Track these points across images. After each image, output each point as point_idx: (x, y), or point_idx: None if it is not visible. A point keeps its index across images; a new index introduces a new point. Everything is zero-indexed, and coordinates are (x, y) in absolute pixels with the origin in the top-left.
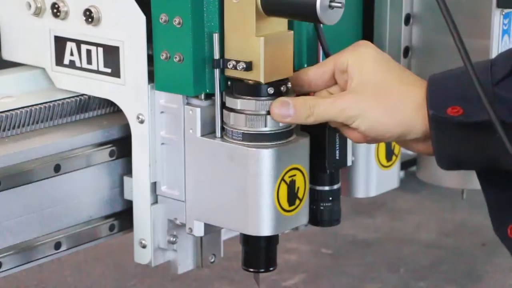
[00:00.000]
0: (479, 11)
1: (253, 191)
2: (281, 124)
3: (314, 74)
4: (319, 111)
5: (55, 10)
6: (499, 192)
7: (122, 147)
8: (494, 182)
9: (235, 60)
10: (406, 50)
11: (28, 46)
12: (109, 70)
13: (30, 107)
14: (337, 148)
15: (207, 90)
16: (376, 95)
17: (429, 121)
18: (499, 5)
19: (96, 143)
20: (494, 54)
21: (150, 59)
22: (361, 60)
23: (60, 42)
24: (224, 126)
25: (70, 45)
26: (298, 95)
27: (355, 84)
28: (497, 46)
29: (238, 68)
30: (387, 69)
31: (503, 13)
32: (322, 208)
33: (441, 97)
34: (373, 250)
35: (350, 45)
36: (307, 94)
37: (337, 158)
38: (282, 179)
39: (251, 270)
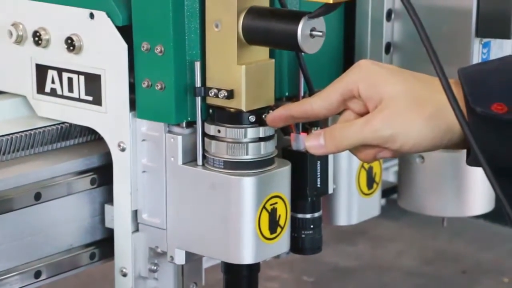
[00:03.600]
0: (458, 40)
1: (235, 219)
2: (262, 152)
3: (320, 106)
4: (350, 135)
5: (36, 38)
6: None
7: (103, 175)
8: None
9: (216, 88)
10: None
11: (9, 74)
12: (90, 98)
13: (10, 135)
14: (318, 175)
15: (189, 118)
16: (411, 108)
17: (470, 118)
18: (478, 34)
19: (77, 171)
20: None
21: (132, 87)
22: (372, 79)
23: (41, 70)
24: (206, 154)
25: (52, 73)
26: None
27: (381, 103)
28: None
29: (219, 96)
30: (404, 79)
31: (482, 42)
32: (303, 236)
33: (482, 93)
34: (355, 277)
35: (349, 69)
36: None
37: (318, 185)
38: (264, 207)
39: None
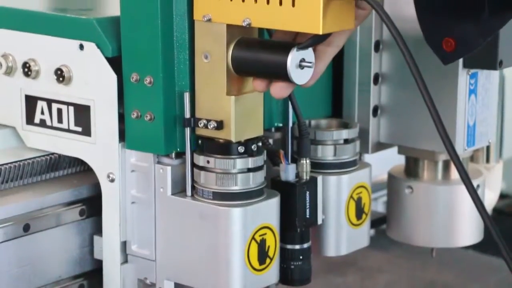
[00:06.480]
0: (446, 71)
1: (224, 250)
2: (251, 183)
3: None
4: None
5: (26, 69)
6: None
7: (92, 206)
8: None
9: (206, 119)
10: (375, 109)
11: None
12: (79, 129)
13: None
14: (307, 206)
15: (178, 149)
16: None
17: None
18: (465, 65)
19: (66, 202)
20: (461, 113)
21: (121, 117)
22: None
23: (31, 101)
24: (195, 185)
25: (41, 104)
26: None
27: None
28: (464, 106)
29: (209, 127)
30: None
31: (470, 73)
32: (292, 267)
33: None
34: None
35: None
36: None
37: (308, 216)
38: (253, 238)
39: None
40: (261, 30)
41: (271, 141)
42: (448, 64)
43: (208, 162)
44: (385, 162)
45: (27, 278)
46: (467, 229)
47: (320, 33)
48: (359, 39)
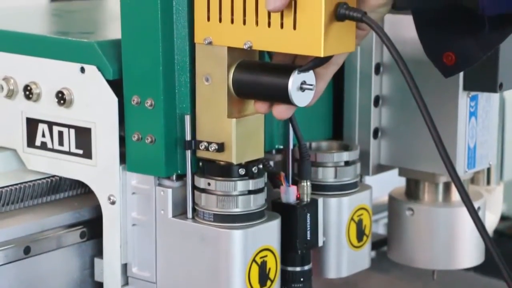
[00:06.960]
0: (446, 93)
1: (225, 272)
2: (252, 205)
3: None
4: None
5: (27, 92)
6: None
7: (93, 228)
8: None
9: (207, 141)
10: (376, 131)
11: None
12: (80, 151)
13: (0, 189)
14: (308, 228)
15: (179, 171)
16: None
17: None
18: (465, 88)
19: (66, 225)
20: (461, 136)
21: (122, 140)
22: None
23: (32, 124)
24: (196, 207)
25: (42, 127)
26: None
27: None
28: (464, 128)
29: (210, 149)
30: None
31: (470, 95)
32: None
33: None
34: None
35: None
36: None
37: (308, 238)
38: (254, 260)
39: None
40: (261, 52)
41: (272, 163)
42: (449, 77)
43: (209, 184)
44: (385, 184)
45: None
46: (468, 251)
47: (322, 55)
48: (360, 62)
